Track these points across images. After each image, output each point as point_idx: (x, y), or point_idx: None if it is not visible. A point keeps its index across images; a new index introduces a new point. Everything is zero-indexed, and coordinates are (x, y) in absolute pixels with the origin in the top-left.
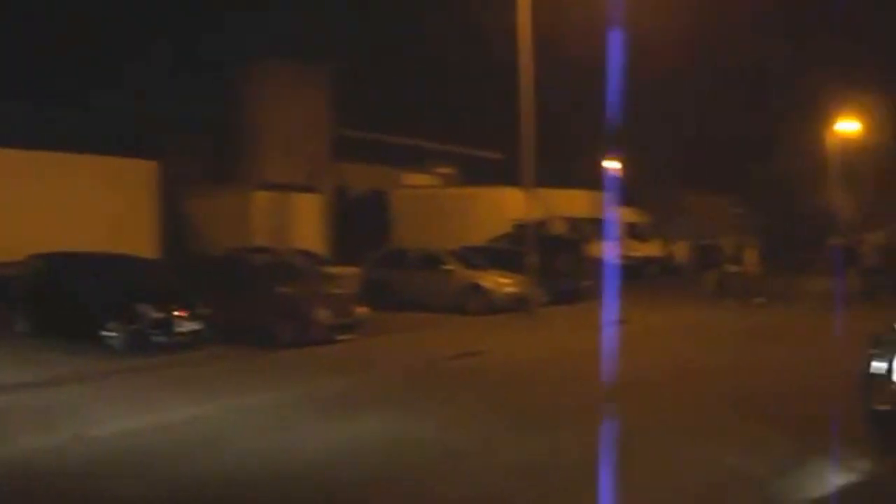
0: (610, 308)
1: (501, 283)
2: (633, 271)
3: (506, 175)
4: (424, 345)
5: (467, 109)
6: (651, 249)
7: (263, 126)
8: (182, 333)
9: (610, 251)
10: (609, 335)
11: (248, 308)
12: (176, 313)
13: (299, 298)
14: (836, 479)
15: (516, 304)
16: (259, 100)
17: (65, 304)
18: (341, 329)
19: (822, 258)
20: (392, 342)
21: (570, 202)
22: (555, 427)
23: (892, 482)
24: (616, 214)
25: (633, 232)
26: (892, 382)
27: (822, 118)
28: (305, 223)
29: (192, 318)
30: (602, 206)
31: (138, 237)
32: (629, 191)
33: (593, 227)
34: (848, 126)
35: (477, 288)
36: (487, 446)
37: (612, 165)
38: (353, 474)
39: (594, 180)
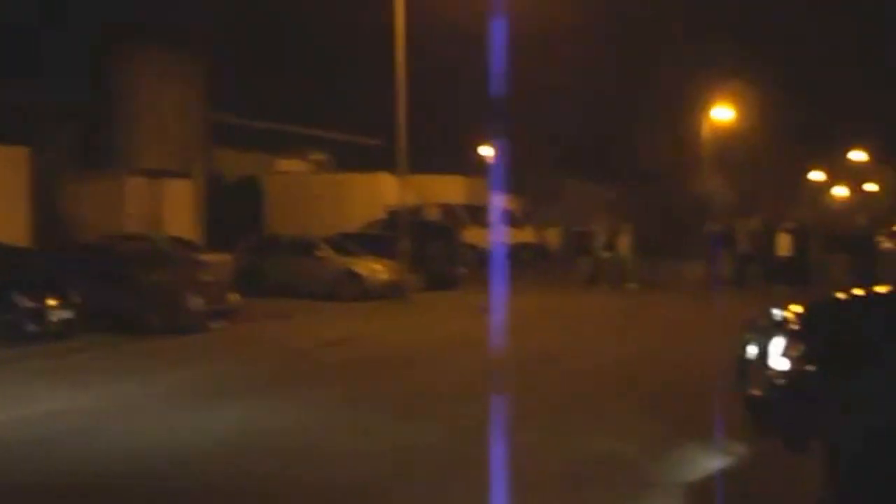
0: (484, 294)
1: (376, 270)
2: (508, 257)
3: (385, 161)
4: (298, 332)
5: (346, 95)
6: (525, 236)
7: (135, 111)
8: (54, 323)
9: (485, 237)
10: (483, 321)
11: (119, 296)
12: (49, 302)
13: (171, 286)
14: (709, 462)
15: (390, 291)
16: (130, 85)
17: None
18: (214, 316)
19: (697, 244)
20: (265, 329)
21: (445, 188)
22: (427, 413)
23: (765, 465)
24: (494, 201)
25: (507, 218)
26: (767, 368)
27: (697, 105)
28: (178, 209)
29: (65, 306)
30: (476, 193)
31: (10, 225)
32: (503, 177)
33: (468, 213)
34: (722, 113)
35: (351, 274)
36: (358, 433)
37: (487, 152)
38: (222, 463)
39: (469, 167)
